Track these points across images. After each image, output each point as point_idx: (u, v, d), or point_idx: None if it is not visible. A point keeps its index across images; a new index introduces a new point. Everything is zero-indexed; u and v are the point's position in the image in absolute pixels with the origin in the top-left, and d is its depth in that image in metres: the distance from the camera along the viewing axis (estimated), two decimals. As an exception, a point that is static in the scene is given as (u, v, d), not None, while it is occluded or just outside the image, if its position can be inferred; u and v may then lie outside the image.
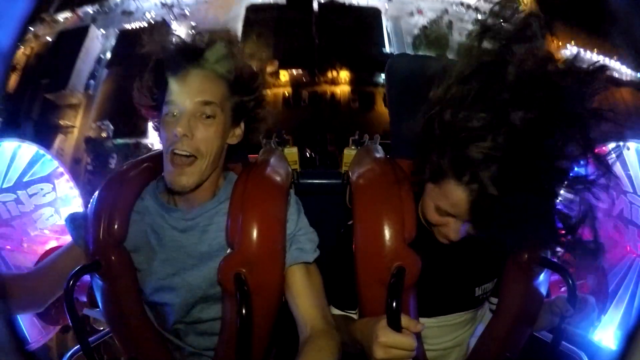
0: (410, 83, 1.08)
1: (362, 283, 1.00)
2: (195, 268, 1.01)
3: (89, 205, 1.05)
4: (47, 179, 1.79)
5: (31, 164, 1.75)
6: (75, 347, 1.08)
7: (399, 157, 1.17)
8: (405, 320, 0.80)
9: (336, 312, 1.11)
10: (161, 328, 1.09)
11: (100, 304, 1.06)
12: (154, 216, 1.04)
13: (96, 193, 1.05)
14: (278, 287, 0.99)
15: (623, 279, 1.66)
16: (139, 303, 1.05)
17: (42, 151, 1.79)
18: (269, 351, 1.13)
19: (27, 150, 1.75)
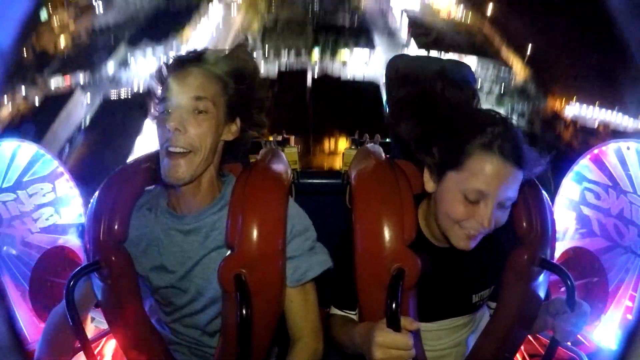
0: (410, 82, 1.09)
1: (362, 284, 1.00)
2: (197, 271, 1.02)
3: (89, 206, 1.05)
4: (47, 178, 1.78)
5: (31, 163, 1.75)
6: (76, 347, 1.08)
7: (399, 157, 1.17)
8: (402, 319, 0.81)
9: (336, 312, 1.11)
10: (162, 327, 1.09)
11: (100, 304, 1.06)
12: (159, 222, 1.04)
13: (96, 193, 1.05)
14: (279, 287, 0.99)
15: (623, 279, 1.66)
16: (139, 303, 1.06)
17: (42, 151, 1.78)
18: (270, 350, 1.13)
19: (27, 150, 1.74)
